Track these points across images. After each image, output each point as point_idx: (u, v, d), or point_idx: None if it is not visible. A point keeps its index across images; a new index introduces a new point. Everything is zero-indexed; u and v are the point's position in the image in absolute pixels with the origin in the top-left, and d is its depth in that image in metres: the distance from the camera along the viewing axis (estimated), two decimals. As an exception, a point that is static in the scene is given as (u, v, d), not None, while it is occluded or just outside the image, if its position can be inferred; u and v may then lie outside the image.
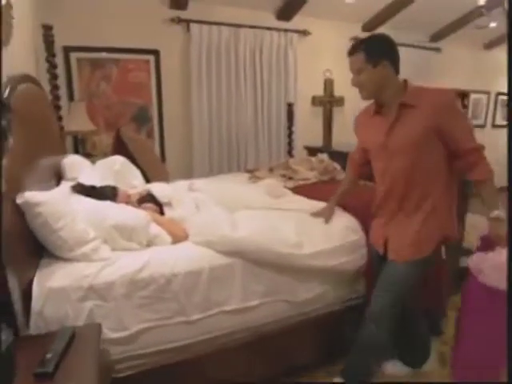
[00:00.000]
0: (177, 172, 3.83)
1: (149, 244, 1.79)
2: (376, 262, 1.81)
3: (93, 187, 1.91)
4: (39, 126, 2.00)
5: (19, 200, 1.48)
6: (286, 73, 4.02)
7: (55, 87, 2.85)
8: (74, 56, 3.38)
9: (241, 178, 3.07)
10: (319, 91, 4.52)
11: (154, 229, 1.80)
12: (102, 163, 2.38)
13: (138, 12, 3.45)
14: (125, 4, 3.39)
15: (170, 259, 1.67)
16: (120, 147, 2.57)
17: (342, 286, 2.01)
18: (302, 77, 4.22)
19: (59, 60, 3.26)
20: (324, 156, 3.16)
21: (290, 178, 2.98)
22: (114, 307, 1.56)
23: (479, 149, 1.55)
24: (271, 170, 3.22)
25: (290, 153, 3.85)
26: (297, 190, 2.60)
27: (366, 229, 1.96)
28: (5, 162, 1.51)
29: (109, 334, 1.55)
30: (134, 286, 1.58)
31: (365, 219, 1.99)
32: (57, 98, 2.87)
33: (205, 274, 1.68)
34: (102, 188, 1.90)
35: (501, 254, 1.45)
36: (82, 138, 3.38)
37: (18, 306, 1.42)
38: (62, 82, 3.31)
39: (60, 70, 3.28)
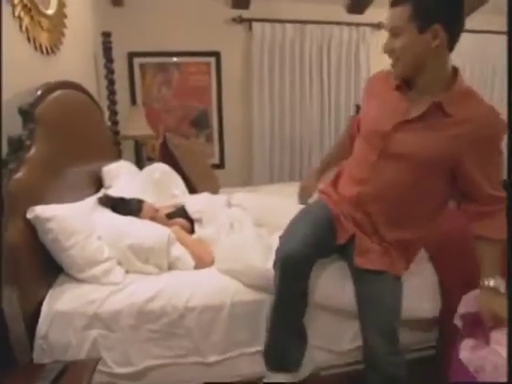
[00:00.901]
0: (236, 179, 3.68)
1: (171, 267, 1.61)
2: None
3: (121, 199, 1.79)
4: (77, 132, 1.95)
5: (29, 214, 1.40)
6: (356, 71, 3.61)
7: (112, 93, 2.85)
8: (137, 61, 3.39)
9: (294, 190, 2.77)
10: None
11: (177, 250, 1.61)
12: (144, 171, 2.28)
13: (200, 14, 3.34)
14: (186, 6, 3.30)
15: (186, 289, 1.46)
16: (166, 154, 2.45)
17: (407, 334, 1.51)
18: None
19: (123, 66, 3.33)
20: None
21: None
22: (120, 339, 1.40)
23: (500, 200, 1.19)
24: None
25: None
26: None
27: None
28: (23, 172, 1.45)
29: (114, 367, 1.40)
30: (142, 318, 1.41)
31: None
32: (113, 103, 2.88)
33: (225, 309, 1.44)
34: (128, 201, 1.77)
35: (500, 345, 1.06)
36: (141, 143, 3.38)
37: (18, 327, 1.33)
38: (125, 87, 3.37)
39: (124, 76, 3.36)
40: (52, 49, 2.07)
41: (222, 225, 1.80)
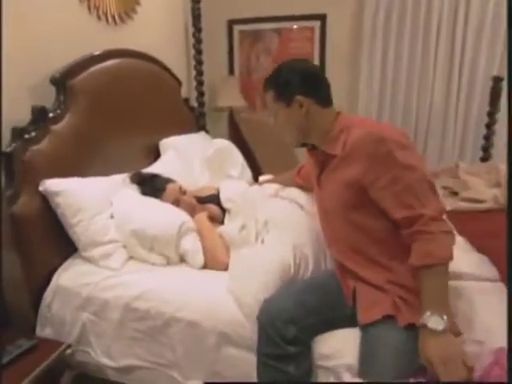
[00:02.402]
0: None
1: (183, 260, 1.45)
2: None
3: (152, 177, 1.68)
4: (133, 103, 1.90)
5: (41, 187, 1.39)
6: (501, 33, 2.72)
7: (199, 62, 2.76)
8: (236, 29, 3.22)
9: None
10: None
11: (189, 242, 1.42)
12: (203, 147, 2.14)
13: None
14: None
15: (178, 296, 1.27)
16: (233, 128, 2.26)
17: None
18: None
19: (222, 34, 3.21)
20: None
21: (455, 194, 2.01)
22: (106, 329, 1.32)
23: (417, 218, 1.00)
24: (436, 175, 2.27)
25: (486, 151, 2.65)
26: (456, 217, 1.65)
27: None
28: (45, 143, 1.45)
29: (100, 356, 1.34)
30: (128, 314, 1.29)
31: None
32: (200, 73, 2.79)
33: (213, 337, 1.21)
34: (155, 179, 1.65)
35: None
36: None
37: (20, 292, 1.36)
38: (223, 56, 3.27)
39: (223, 45, 3.24)
40: (122, 18, 2.04)
41: (252, 221, 1.47)
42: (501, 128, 2.63)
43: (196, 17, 2.65)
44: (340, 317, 1.14)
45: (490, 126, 2.62)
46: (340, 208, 1.14)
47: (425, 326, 0.95)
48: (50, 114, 1.47)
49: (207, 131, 2.76)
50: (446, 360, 0.91)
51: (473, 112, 2.94)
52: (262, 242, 1.37)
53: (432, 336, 0.94)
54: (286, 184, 1.62)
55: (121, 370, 1.32)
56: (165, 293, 1.28)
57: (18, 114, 1.41)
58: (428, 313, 0.95)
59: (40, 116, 1.43)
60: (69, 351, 1.33)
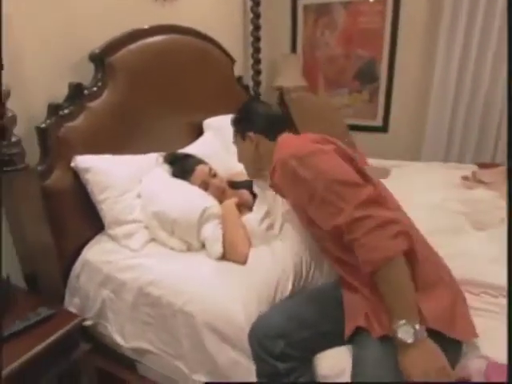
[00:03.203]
0: (400, 148, 3.02)
1: (204, 246, 1.41)
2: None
3: (184, 157, 1.64)
4: (178, 81, 1.87)
5: (72, 163, 1.42)
6: None
7: (257, 39, 2.65)
8: (301, 3, 3.03)
9: (450, 178, 2.01)
10: None
11: (209, 229, 1.36)
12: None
13: None
14: None
15: (189, 288, 1.22)
16: (283, 110, 2.13)
17: None
18: None
19: (284, 8, 3.04)
20: None
21: None
22: (122, 309, 1.33)
23: (340, 227, 0.92)
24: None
25: None
26: None
27: None
28: (81, 120, 1.47)
29: (115, 333, 1.36)
30: (141, 298, 1.28)
31: None
32: (257, 50, 2.68)
33: (220, 342, 1.14)
34: (186, 160, 1.60)
35: None
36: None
37: (50, 261, 1.41)
38: (284, 32, 3.11)
39: (284, 20, 3.08)
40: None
41: (278, 208, 1.35)
42: None
43: (255, -9, 2.52)
44: (341, 330, 1.02)
45: None
46: (304, 226, 1.19)
47: (396, 338, 0.86)
48: (87, 91, 1.48)
49: (260, 112, 2.67)
50: (426, 373, 0.82)
51: None
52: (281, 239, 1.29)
53: (406, 348, 0.84)
54: None
55: (132, 350, 1.34)
56: (177, 282, 1.25)
57: (56, 91, 1.44)
58: (394, 324, 0.86)
59: (76, 93, 1.45)
60: (89, 322, 1.38)
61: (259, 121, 1.28)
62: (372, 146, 2.92)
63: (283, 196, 1.23)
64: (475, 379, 0.92)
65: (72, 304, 1.45)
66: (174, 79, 1.86)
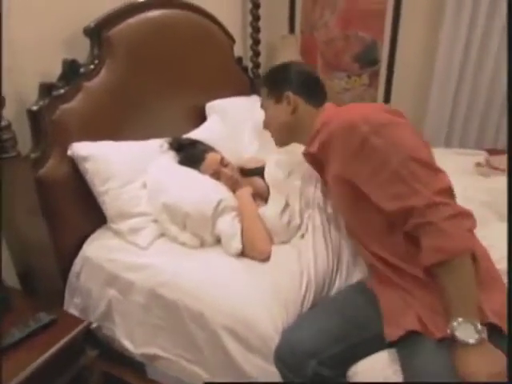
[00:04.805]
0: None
1: (219, 241, 1.29)
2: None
3: (192, 143, 1.51)
4: (177, 60, 1.71)
5: (69, 151, 1.27)
6: None
7: (256, 18, 2.50)
8: (300, -20, 2.88)
9: (463, 165, 1.95)
10: None
11: (224, 223, 1.24)
12: (252, 113, 1.92)
13: None
14: None
15: (201, 291, 1.11)
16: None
17: None
18: None
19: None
20: None
21: None
22: (131, 311, 1.21)
23: (412, 208, 0.82)
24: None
25: None
26: None
27: None
28: (77, 101, 1.31)
29: (123, 338, 1.24)
30: (152, 300, 1.16)
31: None
32: (256, 30, 2.53)
33: (243, 352, 1.05)
34: (194, 147, 1.47)
35: None
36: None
37: (47, 257, 1.27)
38: (282, 12, 2.96)
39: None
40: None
41: (296, 200, 1.25)
42: None
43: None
44: (372, 336, 0.95)
45: None
46: (344, 206, 1.06)
47: (455, 338, 0.78)
48: (83, 69, 1.33)
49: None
50: (494, 377, 0.75)
51: None
52: (303, 235, 1.20)
53: (467, 351, 0.77)
54: None
55: (142, 355, 1.23)
56: (194, 284, 1.13)
57: (48, 68, 1.28)
58: (455, 321, 0.78)
59: (71, 71, 1.29)
60: (94, 325, 1.26)
61: (300, 81, 1.13)
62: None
63: (320, 168, 1.11)
64: None
65: (73, 304, 1.32)
66: (175, 57, 1.71)
